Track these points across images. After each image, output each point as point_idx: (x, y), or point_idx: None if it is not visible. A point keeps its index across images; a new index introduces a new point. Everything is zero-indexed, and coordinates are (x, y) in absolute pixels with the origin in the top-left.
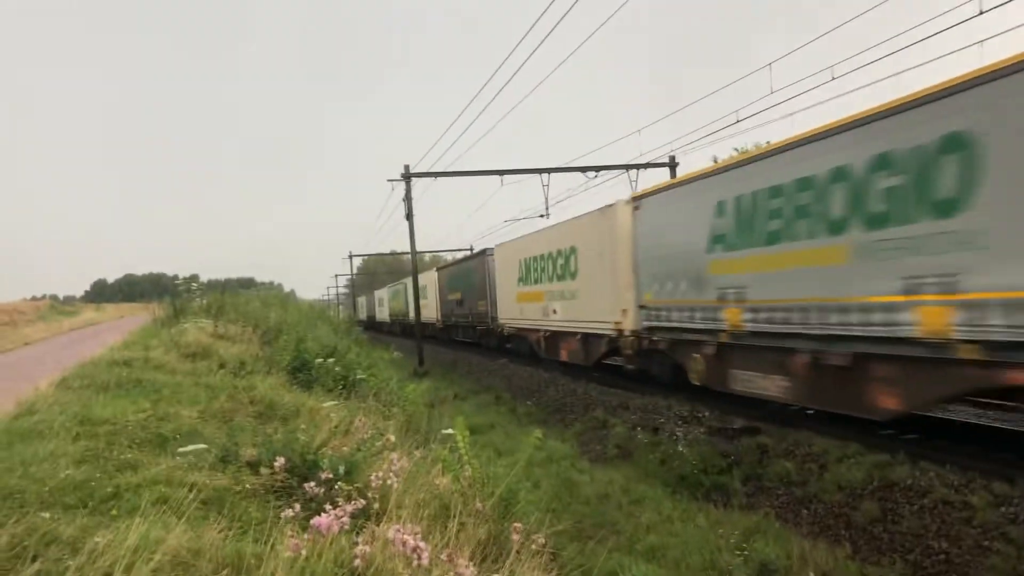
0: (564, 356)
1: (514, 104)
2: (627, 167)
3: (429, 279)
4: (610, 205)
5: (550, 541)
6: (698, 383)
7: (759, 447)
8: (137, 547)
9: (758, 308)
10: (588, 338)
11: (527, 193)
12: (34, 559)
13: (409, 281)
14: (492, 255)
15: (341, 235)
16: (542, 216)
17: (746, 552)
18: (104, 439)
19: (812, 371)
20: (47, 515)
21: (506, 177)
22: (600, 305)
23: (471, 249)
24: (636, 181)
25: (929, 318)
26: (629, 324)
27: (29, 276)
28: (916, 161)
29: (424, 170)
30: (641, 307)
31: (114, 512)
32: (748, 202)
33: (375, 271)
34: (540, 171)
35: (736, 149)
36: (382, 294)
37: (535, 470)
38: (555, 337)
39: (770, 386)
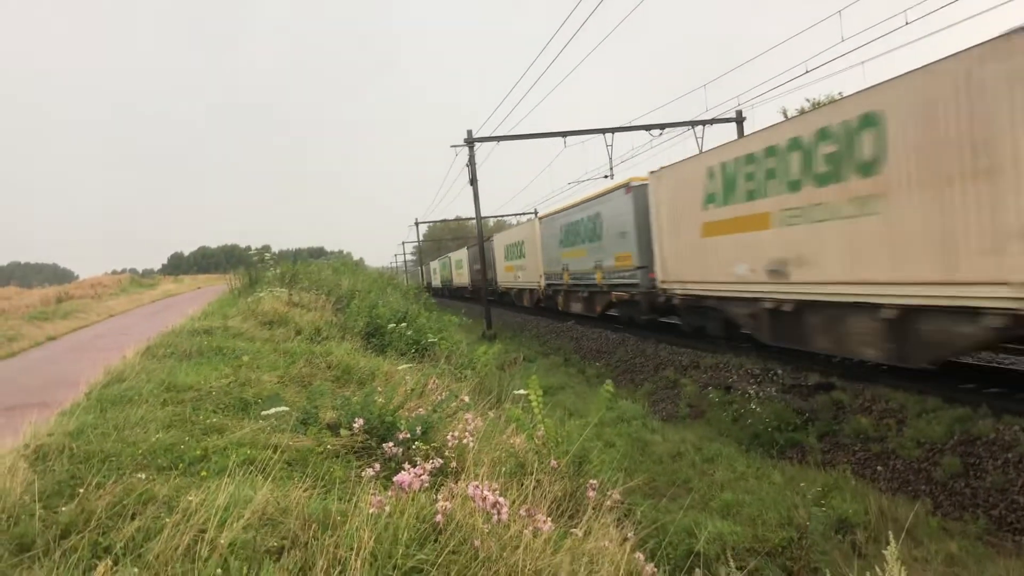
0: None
1: (576, 63)
2: (692, 123)
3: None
4: None
5: (625, 498)
6: None
7: (834, 403)
8: (227, 505)
9: None
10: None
11: (590, 155)
12: (133, 517)
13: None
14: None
15: (408, 203)
16: (606, 177)
17: (823, 508)
18: (190, 404)
19: None
20: (142, 476)
21: (569, 139)
22: None
23: (535, 212)
24: (702, 137)
25: None
26: None
27: (110, 252)
28: None
29: (487, 134)
30: None
31: (204, 473)
32: None
33: (441, 237)
34: (603, 131)
35: (807, 100)
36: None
37: (607, 430)
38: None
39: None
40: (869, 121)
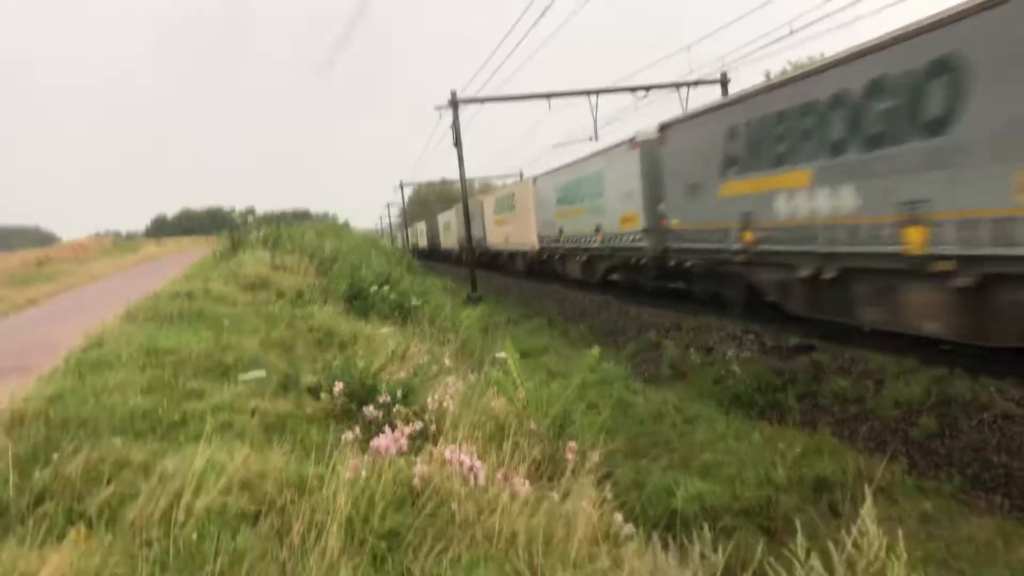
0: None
1: (559, 24)
2: (677, 85)
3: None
4: None
5: (604, 459)
6: None
7: (814, 365)
8: (204, 470)
9: None
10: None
11: (575, 117)
12: (108, 482)
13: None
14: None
15: (393, 164)
16: (591, 139)
17: (802, 468)
18: (170, 369)
19: None
20: (118, 441)
21: (554, 101)
22: None
23: (521, 175)
24: (687, 99)
25: None
26: None
27: (92, 214)
28: None
29: (471, 95)
30: None
31: (181, 438)
32: None
33: (426, 199)
34: (588, 93)
35: (789, 63)
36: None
37: (590, 391)
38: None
39: None
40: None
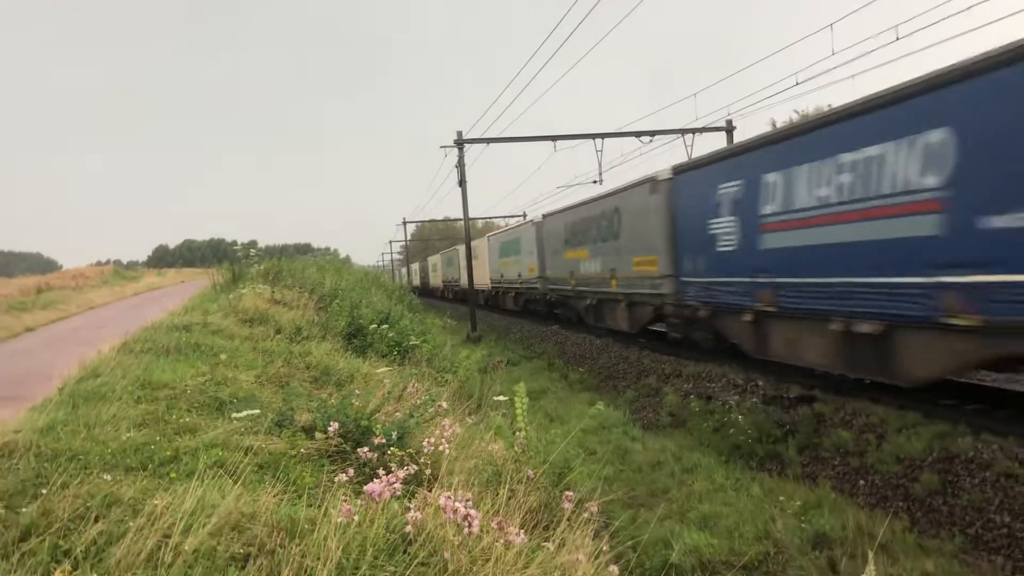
0: None
1: (567, 69)
2: (682, 131)
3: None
4: None
5: (602, 509)
6: None
7: (815, 416)
8: (194, 509)
9: None
10: None
11: (580, 160)
12: (96, 520)
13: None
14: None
15: (396, 202)
16: (595, 182)
17: (802, 523)
18: (164, 403)
19: None
20: (109, 477)
21: (559, 143)
22: None
23: (524, 215)
24: (692, 146)
25: None
26: None
27: (95, 243)
28: None
29: (477, 136)
30: None
31: (173, 475)
32: None
33: (428, 237)
34: (593, 136)
35: (796, 111)
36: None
37: (588, 437)
38: None
39: None
40: None
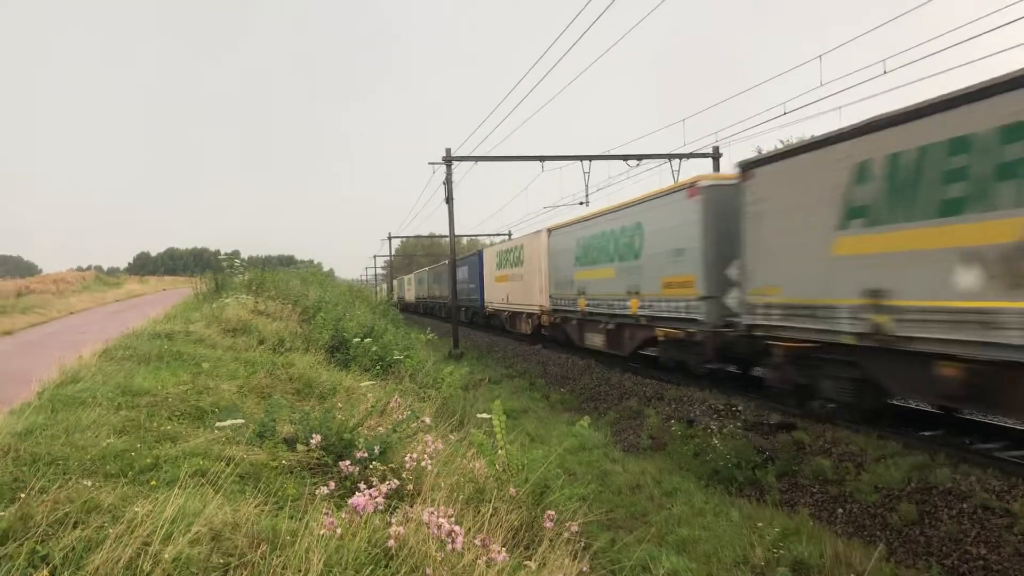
0: None
1: (557, 91)
2: (669, 156)
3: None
4: None
5: (582, 530)
6: None
7: (795, 443)
8: (175, 518)
9: None
10: None
11: (567, 180)
12: (75, 525)
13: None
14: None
15: (382, 216)
16: (581, 204)
17: (780, 550)
18: (145, 410)
19: None
20: (88, 483)
21: (547, 164)
22: None
23: (509, 234)
24: (678, 171)
25: None
26: None
27: (76, 248)
28: None
29: (466, 154)
30: None
31: (153, 482)
32: None
33: (413, 253)
34: (581, 158)
35: (781, 141)
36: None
37: (568, 458)
38: None
39: None
40: None
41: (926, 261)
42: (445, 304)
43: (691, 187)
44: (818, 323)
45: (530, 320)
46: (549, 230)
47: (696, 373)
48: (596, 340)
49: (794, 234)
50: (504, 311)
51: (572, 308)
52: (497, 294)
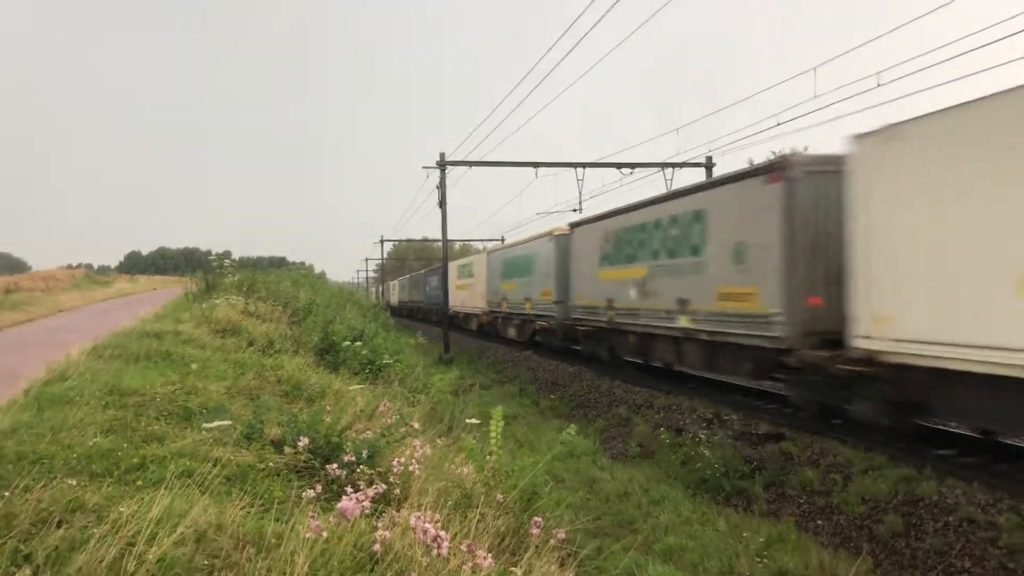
0: None
1: (552, 98)
2: (663, 165)
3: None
4: None
5: (568, 537)
6: None
7: (783, 454)
8: (160, 518)
9: None
10: None
11: (560, 187)
12: (59, 525)
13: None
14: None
15: (375, 219)
16: (575, 211)
17: (765, 559)
18: (132, 409)
19: None
20: (73, 482)
21: (540, 170)
22: None
23: (502, 239)
24: (671, 180)
25: None
26: None
27: (66, 245)
28: None
29: (460, 159)
30: None
31: (139, 483)
32: None
33: (405, 256)
34: (575, 165)
35: (773, 152)
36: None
37: (557, 464)
38: None
39: None
40: None
41: (624, 284)
42: (420, 307)
43: (550, 235)
44: (595, 316)
45: (476, 319)
46: (488, 252)
47: (553, 348)
48: (511, 331)
49: (585, 267)
50: (460, 312)
51: (498, 310)
52: (457, 299)
